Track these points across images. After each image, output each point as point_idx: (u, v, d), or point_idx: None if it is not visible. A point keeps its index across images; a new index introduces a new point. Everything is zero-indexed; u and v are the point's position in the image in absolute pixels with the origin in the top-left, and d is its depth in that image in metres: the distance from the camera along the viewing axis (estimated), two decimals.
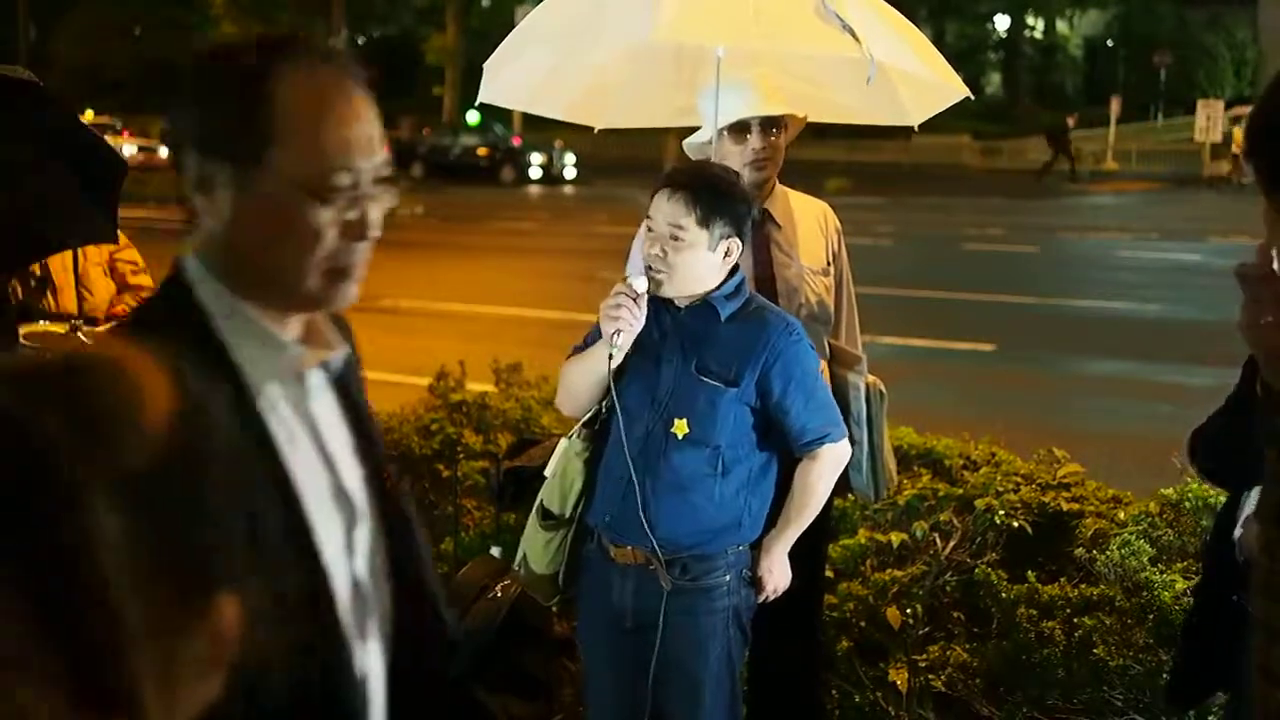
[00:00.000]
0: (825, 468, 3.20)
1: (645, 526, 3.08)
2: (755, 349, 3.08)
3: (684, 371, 3.10)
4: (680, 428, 3.07)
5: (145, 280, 5.23)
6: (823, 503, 3.23)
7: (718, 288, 3.12)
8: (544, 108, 4.34)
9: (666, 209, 3.05)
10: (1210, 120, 35.03)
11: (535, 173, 35.96)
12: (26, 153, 4.19)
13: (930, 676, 4.03)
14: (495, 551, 4.11)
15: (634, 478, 3.09)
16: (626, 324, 3.08)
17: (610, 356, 3.09)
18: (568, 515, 3.26)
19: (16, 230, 4.22)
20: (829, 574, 4.18)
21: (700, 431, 3.07)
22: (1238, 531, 2.82)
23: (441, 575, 4.62)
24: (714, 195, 3.06)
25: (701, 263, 3.07)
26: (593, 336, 3.26)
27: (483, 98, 3.97)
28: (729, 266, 3.12)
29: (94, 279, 5.06)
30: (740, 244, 3.10)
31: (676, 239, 3.04)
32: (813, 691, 3.99)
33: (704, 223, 3.03)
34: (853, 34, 3.49)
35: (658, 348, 3.14)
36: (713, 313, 3.11)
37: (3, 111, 3.98)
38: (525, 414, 5.27)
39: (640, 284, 3.09)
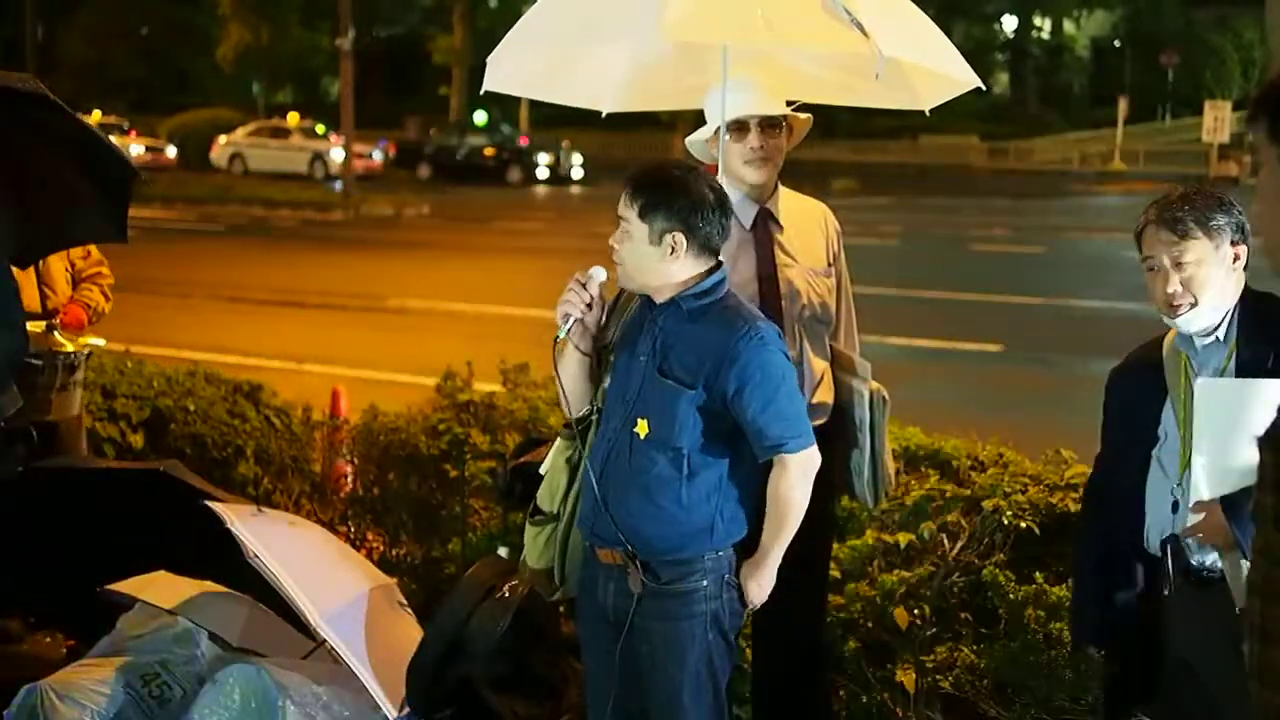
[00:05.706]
0: (791, 477, 3.09)
1: (613, 526, 3.09)
2: (713, 351, 3.04)
3: (650, 372, 3.10)
4: (641, 428, 3.07)
5: (105, 269, 5.30)
6: (801, 512, 3.12)
7: (689, 286, 3.09)
8: (549, 94, 4.33)
9: (621, 201, 3.12)
10: (1218, 121, 34.96)
11: (542, 173, 35.98)
12: (41, 159, 4.27)
13: (938, 677, 4.02)
14: (503, 551, 4.11)
15: (592, 478, 3.13)
16: (572, 308, 3.18)
17: (555, 340, 3.19)
18: (555, 511, 3.28)
19: (27, 228, 4.29)
20: (836, 574, 4.18)
21: (660, 432, 3.05)
22: (1175, 521, 2.87)
23: (449, 575, 4.63)
24: (656, 189, 3.06)
25: (643, 255, 3.07)
26: None
27: (487, 86, 3.96)
28: (681, 262, 3.06)
29: (55, 276, 5.10)
30: (686, 240, 3.04)
31: (623, 230, 3.10)
32: (819, 692, 3.98)
33: (643, 215, 3.05)
34: (861, 29, 3.47)
35: (636, 347, 3.15)
36: (680, 311, 3.10)
37: (18, 120, 4.05)
38: (532, 414, 5.27)
39: (599, 273, 3.19)
